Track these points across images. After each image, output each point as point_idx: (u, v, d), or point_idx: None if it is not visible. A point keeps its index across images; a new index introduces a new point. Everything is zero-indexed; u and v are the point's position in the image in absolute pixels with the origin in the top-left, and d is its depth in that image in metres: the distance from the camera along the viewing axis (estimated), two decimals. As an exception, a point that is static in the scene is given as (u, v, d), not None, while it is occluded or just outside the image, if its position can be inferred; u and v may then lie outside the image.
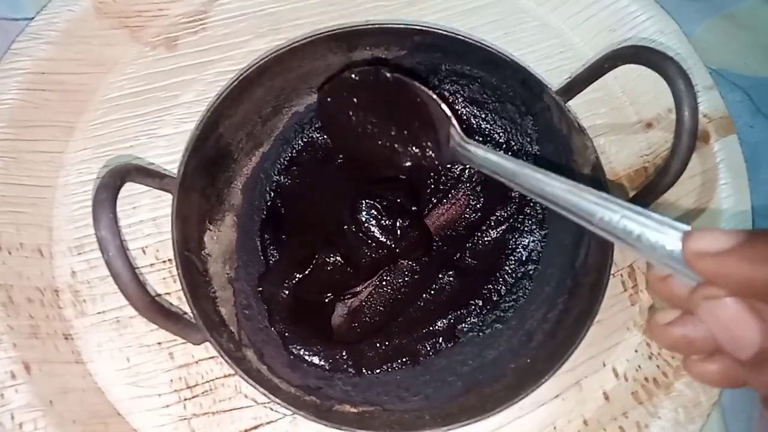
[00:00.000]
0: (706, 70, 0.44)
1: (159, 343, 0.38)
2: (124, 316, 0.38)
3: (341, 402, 0.36)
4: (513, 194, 0.41)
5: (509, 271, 0.41)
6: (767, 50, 0.48)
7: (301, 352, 0.37)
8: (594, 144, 0.37)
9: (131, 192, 0.40)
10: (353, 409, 0.36)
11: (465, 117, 0.42)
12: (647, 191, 0.37)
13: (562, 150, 0.39)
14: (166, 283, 0.39)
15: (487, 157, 0.32)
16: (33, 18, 0.42)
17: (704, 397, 0.39)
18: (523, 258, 0.41)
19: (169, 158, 0.41)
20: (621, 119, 0.44)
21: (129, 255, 0.29)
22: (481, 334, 0.39)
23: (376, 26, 0.39)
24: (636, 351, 0.40)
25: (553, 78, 0.42)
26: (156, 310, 0.30)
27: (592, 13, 0.46)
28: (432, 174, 0.42)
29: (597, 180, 0.37)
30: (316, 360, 0.38)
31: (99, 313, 0.38)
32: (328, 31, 0.38)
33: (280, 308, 0.38)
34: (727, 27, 0.48)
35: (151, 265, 0.40)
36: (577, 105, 0.39)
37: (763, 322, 0.22)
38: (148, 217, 0.40)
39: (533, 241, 0.41)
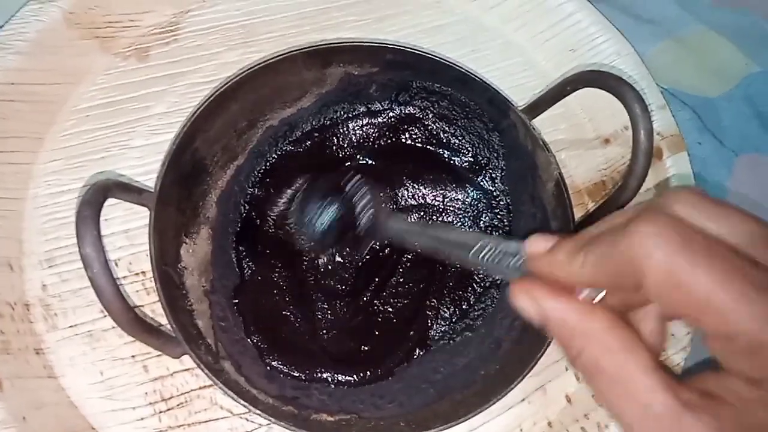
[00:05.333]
0: (659, 90, 0.47)
1: (133, 356, 0.38)
2: (97, 329, 0.38)
3: (318, 411, 0.36)
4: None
5: (478, 280, 0.42)
6: (713, 72, 0.51)
7: (278, 363, 0.38)
8: (556, 159, 0.39)
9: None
10: (330, 418, 0.36)
11: (435, 132, 0.44)
12: (608, 205, 0.39)
13: (528, 165, 0.41)
14: (140, 296, 0.39)
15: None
16: (1, 27, 0.41)
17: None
18: (491, 268, 0.42)
19: (142, 170, 0.42)
20: (581, 135, 0.47)
21: (113, 270, 0.29)
22: (451, 342, 0.41)
23: (350, 44, 0.40)
24: (596, 355, 0.42)
25: (517, 94, 0.44)
26: (138, 325, 0.30)
27: (553, 34, 0.48)
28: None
29: (560, 194, 0.39)
30: (292, 371, 0.38)
31: (71, 326, 0.38)
32: (304, 48, 0.39)
33: (256, 320, 0.39)
34: (678, 49, 0.52)
35: (125, 277, 0.39)
36: (540, 120, 0.40)
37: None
38: (120, 230, 0.40)
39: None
